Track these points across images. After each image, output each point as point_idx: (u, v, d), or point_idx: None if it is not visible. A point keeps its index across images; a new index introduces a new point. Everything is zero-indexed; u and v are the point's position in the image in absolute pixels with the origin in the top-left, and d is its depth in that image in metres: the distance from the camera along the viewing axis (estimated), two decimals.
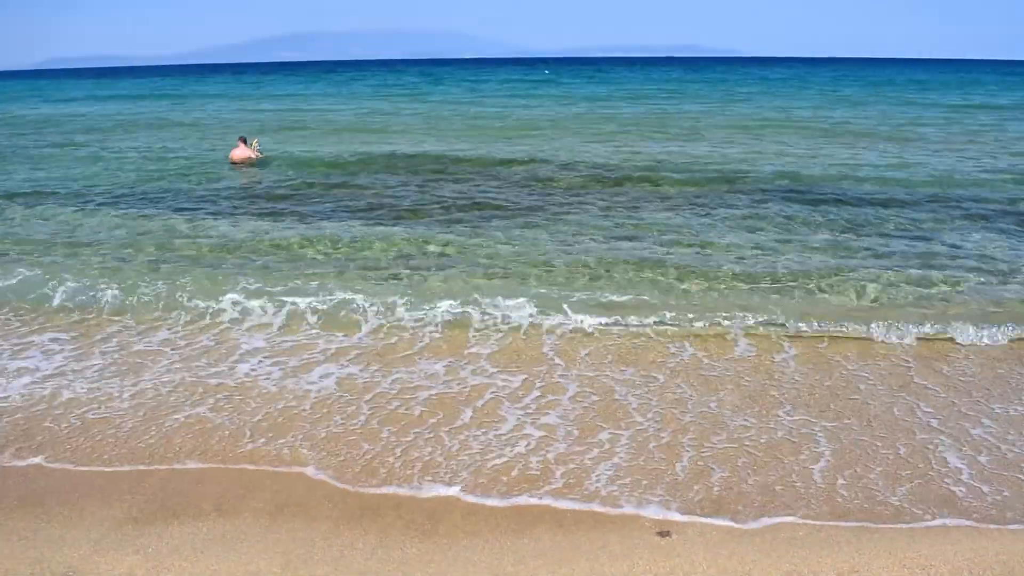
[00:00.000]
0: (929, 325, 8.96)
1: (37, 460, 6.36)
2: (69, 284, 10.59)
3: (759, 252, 12.11)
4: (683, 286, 10.49)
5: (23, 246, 13.16)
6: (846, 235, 13.18)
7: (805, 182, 17.95)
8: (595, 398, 7.36)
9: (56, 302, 10.15)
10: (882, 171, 19.44)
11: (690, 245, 12.54)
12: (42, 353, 8.55)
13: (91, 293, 10.30)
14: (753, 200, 15.90)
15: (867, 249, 12.26)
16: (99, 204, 16.68)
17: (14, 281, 10.93)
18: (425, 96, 54.56)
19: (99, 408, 7.26)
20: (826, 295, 10.15)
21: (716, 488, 5.87)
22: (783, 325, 9.05)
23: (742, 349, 8.52)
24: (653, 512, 5.55)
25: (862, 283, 10.45)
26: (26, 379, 7.89)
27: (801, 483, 5.93)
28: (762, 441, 6.56)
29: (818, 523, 5.41)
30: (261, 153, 22.57)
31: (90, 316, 9.70)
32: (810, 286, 10.42)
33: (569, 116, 35.93)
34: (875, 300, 9.96)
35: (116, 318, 9.63)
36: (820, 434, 6.65)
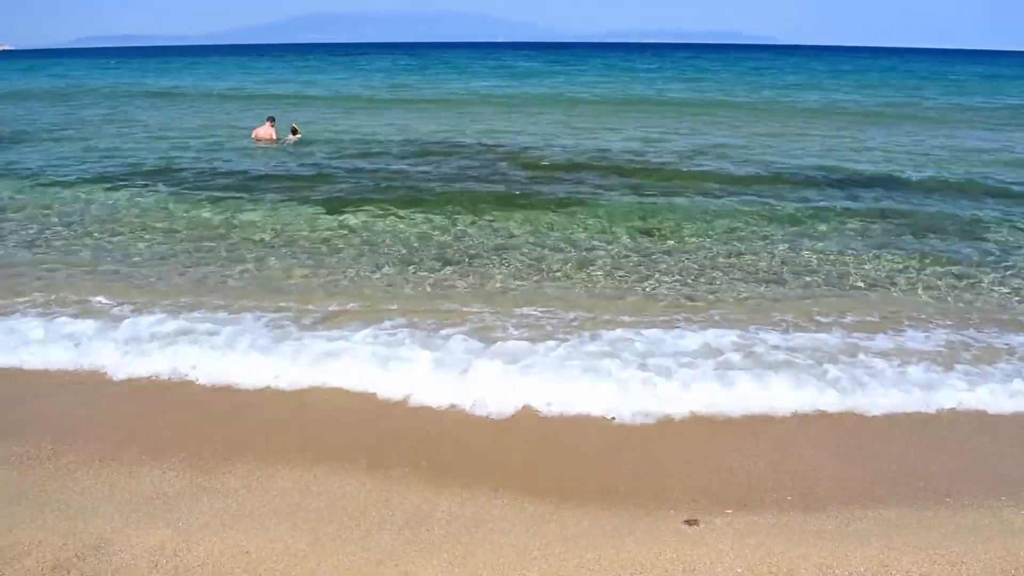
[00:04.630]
0: None
1: (79, 445, 6.42)
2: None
3: None
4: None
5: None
6: None
7: None
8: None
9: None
10: None
11: None
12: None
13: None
14: None
15: None
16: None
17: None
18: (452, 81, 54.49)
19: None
20: None
21: (744, 478, 5.84)
22: None
23: None
24: (680, 500, 5.53)
25: None
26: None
27: (830, 475, 5.89)
28: (789, 432, 6.52)
29: (847, 515, 5.36)
30: (297, 136, 22.59)
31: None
32: None
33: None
34: None
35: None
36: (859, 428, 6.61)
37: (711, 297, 9.77)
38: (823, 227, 13.14)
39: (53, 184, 16.83)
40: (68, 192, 16.00)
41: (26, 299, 9.55)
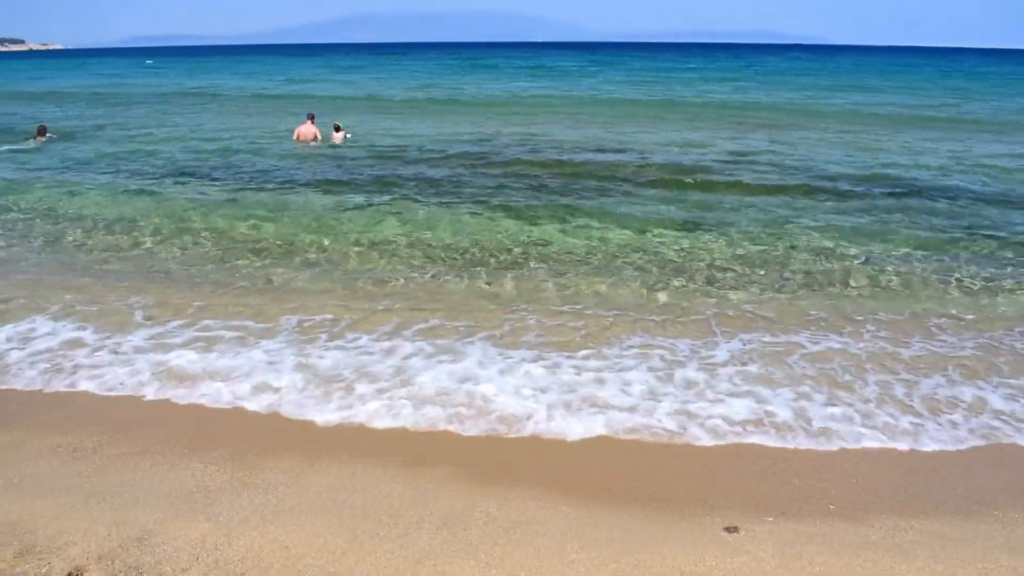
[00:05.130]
0: None
1: (126, 438, 6.52)
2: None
3: None
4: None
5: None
6: None
7: None
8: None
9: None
10: None
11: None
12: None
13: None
14: None
15: None
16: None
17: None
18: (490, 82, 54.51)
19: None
20: None
21: (785, 485, 5.77)
22: None
23: None
24: (719, 507, 5.48)
25: None
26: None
27: (874, 485, 5.80)
28: (843, 440, 6.43)
29: (892, 526, 5.27)
30: (342, 134, 22.77)
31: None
32: None
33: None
34: None
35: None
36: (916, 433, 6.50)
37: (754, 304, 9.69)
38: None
39: (85, 186, 17.13)
40: (110, 193, 16.29)
41: (68, 301, 9.72)
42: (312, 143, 22.20)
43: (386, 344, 8.30)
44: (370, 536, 4.96)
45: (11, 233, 13.02)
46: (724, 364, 7.88)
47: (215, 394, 7.16)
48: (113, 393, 7.21)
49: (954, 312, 9.38)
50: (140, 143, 23.13)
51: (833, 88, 46.88)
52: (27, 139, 23.83)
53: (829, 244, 12.09)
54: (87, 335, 8.50)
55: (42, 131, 24.27)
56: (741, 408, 6.91)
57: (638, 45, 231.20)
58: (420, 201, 15.03)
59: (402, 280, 10.53)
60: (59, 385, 7.35)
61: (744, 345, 8.35)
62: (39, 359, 7.90)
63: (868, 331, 8.74)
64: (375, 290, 10.15)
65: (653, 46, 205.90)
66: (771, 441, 6.41)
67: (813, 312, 9.30)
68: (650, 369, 7.72)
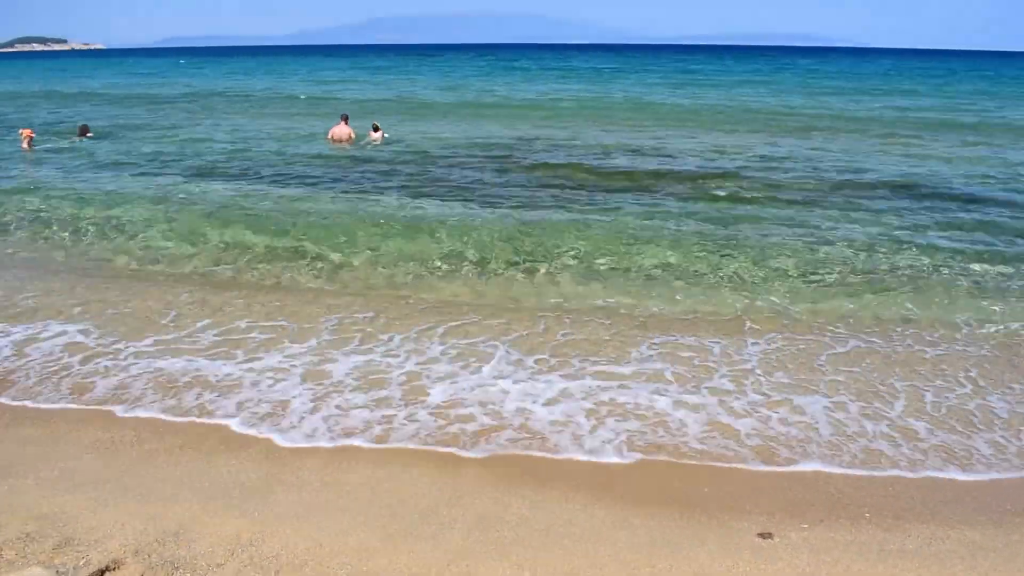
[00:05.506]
0: None
1: (148, 414, 6.62)
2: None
3: None
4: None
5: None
6: None
7: None
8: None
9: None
10: None
11: None
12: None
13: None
14: None
15: None
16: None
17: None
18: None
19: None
20: None
21: (820, 492, 5.71)
22: None
23: None
24: (754, 512, 5.43)
25: None
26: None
27: (910, 493, 5.72)
28: (876, 447, 6.36)
29: (928, 535, 5.20)
30: (380, 134, 22.87)
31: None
32: None
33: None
34: None
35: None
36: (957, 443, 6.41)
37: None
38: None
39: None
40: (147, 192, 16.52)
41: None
42: (346, 143, 22.27)
43: (416, 346, 8.34)
44: (402, 535, 4.98)
45: (51, 229, 13.24)
46: (756, 370, 7.82)
47: (249, 393, 7.24)
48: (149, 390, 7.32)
49: (991, 320, 9.23)
50: (176, 143, 23.40)
51: (870, 92, 46.21)
52: (70, 137, 24.31)
53: (864, 250, 11.93)
54: (128, 333, 8.65)
55: (84, 130, 24.74)
56: (774, 418, 6.86)
57: (667, 47, 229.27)
58: (452, 202, 15.08)
59: (434, 281, 10.56)
60: (97, 381, 7.46)
61: (778, 348, 8.29)
62: (74, 356, 8.04)
63: (903, 341, 8.64)
64: (407, 291, 10.18)
65: (682, 48, 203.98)
66: (806, 454, 6.34)
67: (848, 318, 9.19)
68: (682, 374, 7.69)
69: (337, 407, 6.93)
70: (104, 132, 25.68)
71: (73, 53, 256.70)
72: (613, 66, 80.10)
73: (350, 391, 7.23)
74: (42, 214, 14.29)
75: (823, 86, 50.82)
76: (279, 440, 6.35)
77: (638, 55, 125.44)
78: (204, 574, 4.44)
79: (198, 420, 6.71)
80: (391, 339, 8.47)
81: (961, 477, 5.97)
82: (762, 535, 5.15)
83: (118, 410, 6.86)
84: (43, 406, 6.96)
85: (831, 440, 6.46)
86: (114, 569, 4.44)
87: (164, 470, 5.86)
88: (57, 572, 4.26)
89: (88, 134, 24.60)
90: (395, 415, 6.79)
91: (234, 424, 6.63)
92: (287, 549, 4.74)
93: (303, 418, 6.73)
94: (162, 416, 6.78)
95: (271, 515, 5.19)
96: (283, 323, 8.95)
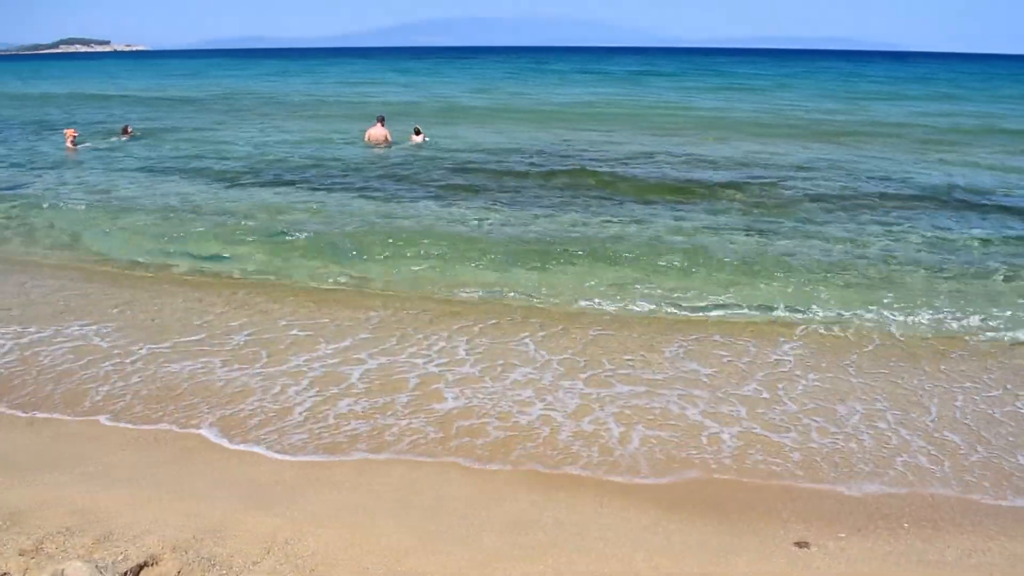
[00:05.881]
0: None
1: (200, 432, 6.69)
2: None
3: None
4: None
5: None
6: None
7: None
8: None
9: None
10: None
11: None
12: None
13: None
14: None
15: None
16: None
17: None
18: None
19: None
20: None
21: (858, 502, 5.64)
22: None
23: None
24: (790, 521, 5.38)
25: None
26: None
27: (951, 504, 5.63)
28: (919, 458, 6.27)
29: (968, 546, 5.11)
30: (421, 138, 22.97)
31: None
32: None
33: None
34: None
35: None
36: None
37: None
38: None
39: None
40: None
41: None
42: (382, 145, 22.38)
43: (448, 346, 8.37)
44: (436, 537, 4.99)
45: (94, 227, 13.46)
46: (791, 376, 7.76)
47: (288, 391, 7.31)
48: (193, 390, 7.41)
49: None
50: (214, 144, 23.70)
51: (910, 96, 45.52)
52: (112, 137, 24.76)
53: (904, 261, 11.77)
54: (163, 334, 8.78)
55: (126, 130, 25.16)
56: (812, 427, 6.79)
57: (700, 50, 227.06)
58: (486, 206, 15.17)
59: (471, 283, 10.57)
60: (134, 381, 7.57)
61: (813, 354, 8.22)
62: (113, 354, 8.16)
63: (944, 349, 8.52)
64: (444, 292, 10.22)
65: (715, 51, 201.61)
66: (844, 463, 6.27)
67: (885, 326, 9.08)
68: (716, 379, 7.65)
69: (367, 408, 6.98)
70: (145, 132, 26.05)
71: (115, 54, 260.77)
72: (646, 69, 79.64)
73: (381, 393, 7.27)
74: (83, 214, 14.54)
75: (863, 91, 50.08)
76: (314, 439, 6.40)
77: (674, 57, 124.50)
78: (240, 572, 4.47)
79: (234, 418, 6.79)
80: (426, 340, 8.53)
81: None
82: (799, 544, 5.09)
83: (155, 408, 6.96)
84: (84, 403, 7.07)
85: (869, 447, 6.38)
86: (152, 565, 4.49)
87: (202, 467, 5.94)
88: (96, 567, 4.31)
89: (130, 133, 25.03)
90: (425, 418, 6.82)
91: (273, 423, 6.69)
92: (322, 548, 4.76)
93: (337, 418, 6.78)
94: (199, 415, 6.86)
95: (306, 515, 5.23)
96: (323, 320, 9.07)
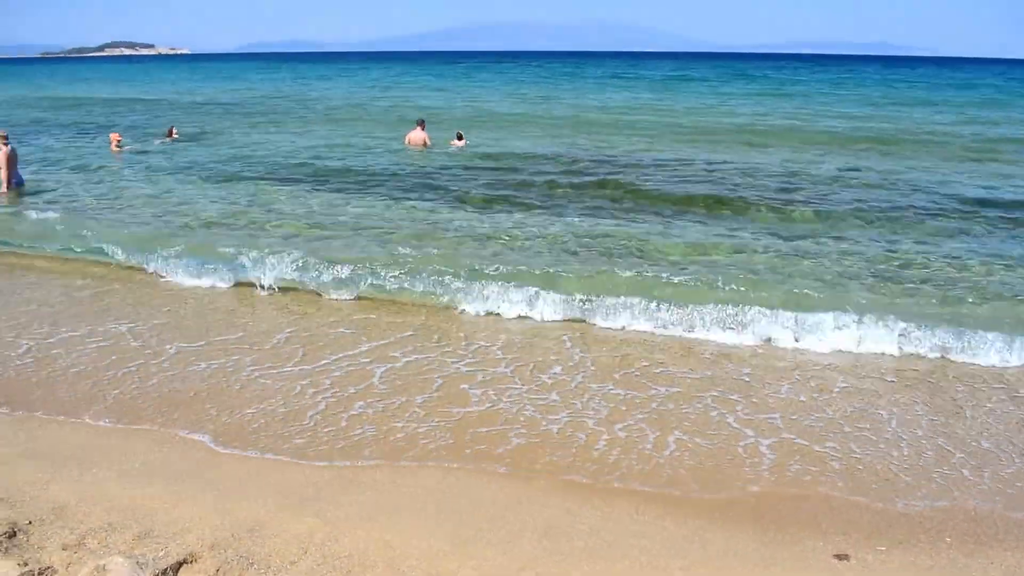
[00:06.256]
0: None
1: (237, 433, 6.77)
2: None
3: None
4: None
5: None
6: None
7: None
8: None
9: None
10: None
11: None
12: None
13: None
14: None
15: None
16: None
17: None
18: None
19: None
20: None
21: (900, 514, 5.55)
22: None
23: None
24: (830, 532, 5.31)
25: None
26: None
27: (996, 518, 5.53)
28: (961, 471, 6.16)
29: (1013, 562, 5.00)
30: (463, 143, 23.11)
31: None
32: None
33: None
34: None
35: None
36: None
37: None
38: None
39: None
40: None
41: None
42: (422, 148, 22.64)
43: (484, 353, 8.39)
44: (472, 540, 4.99)
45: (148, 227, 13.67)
46: (830, 384, 7.68)
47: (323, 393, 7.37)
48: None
49: None
50: (257, 146, 24.04)
51: (954, 103, 44.67)
52: (157, 139, 25.18)
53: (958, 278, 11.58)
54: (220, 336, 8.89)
55: (171, 132, 25.56)
56: (852, 436, 6.71)
57: (735, 55, 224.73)
58: (524, 211, 15.19)
59: (508, 285, 10.54)
60: (173, 384, 7.68)
61: (854, 364, 8.12)
62: (151, 355, 8.28)
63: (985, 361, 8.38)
64: (471, 300, 10.18)
65: (751, 56, 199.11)
66: (885, 475, 6.18)
67: (930, 334, 8.91)
68: (754, 386, 7.58)
69: (401, 410, 7.01)
70: (189, 136, 26.43)
71: (160, 58, 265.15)
72: (682, 74, 79.10)
73: (417, 394, 7.31)
74: (123, 216, 14.79)
75: (905, 97, 49.23)
76: (351, 441, 6.45)
77: (709, 62, 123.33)
78: (278, 571, 4.51)
79: (273, 417, 6.85)
80: (461, 344, 8.57)
81: None
82: (838, 556, 5.02)
83: (193, 406, 7.06)
84: (126, 400, 7.18)
85: (908, 457, 6.29)
86: (191, 562, 4.54)
87: (240, 466, 6.00)
88: (137, 562, 4.37)
89: (175, 135, 25.42)
90: (459, 422, 6.84)
91: (308, 424, 6.75)
92: (358, 549, 4.79)
93: (373, 421, 6.82)
94: (236, 416, 6.94)
95: (343, 516, 5.25)
96: (361, 315, 9.12)
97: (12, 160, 16.70)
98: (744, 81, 67.29)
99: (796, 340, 8.76)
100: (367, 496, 5.58)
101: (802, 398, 7.36)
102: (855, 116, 34.94)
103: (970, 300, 9.94)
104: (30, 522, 4.88)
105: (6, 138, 16.59)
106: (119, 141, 23.40)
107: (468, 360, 8.18)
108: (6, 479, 5.55)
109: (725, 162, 20.89)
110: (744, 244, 12.69)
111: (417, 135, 23.04)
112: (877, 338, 8.67)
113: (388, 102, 42.88)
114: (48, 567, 4.35)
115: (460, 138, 23.17)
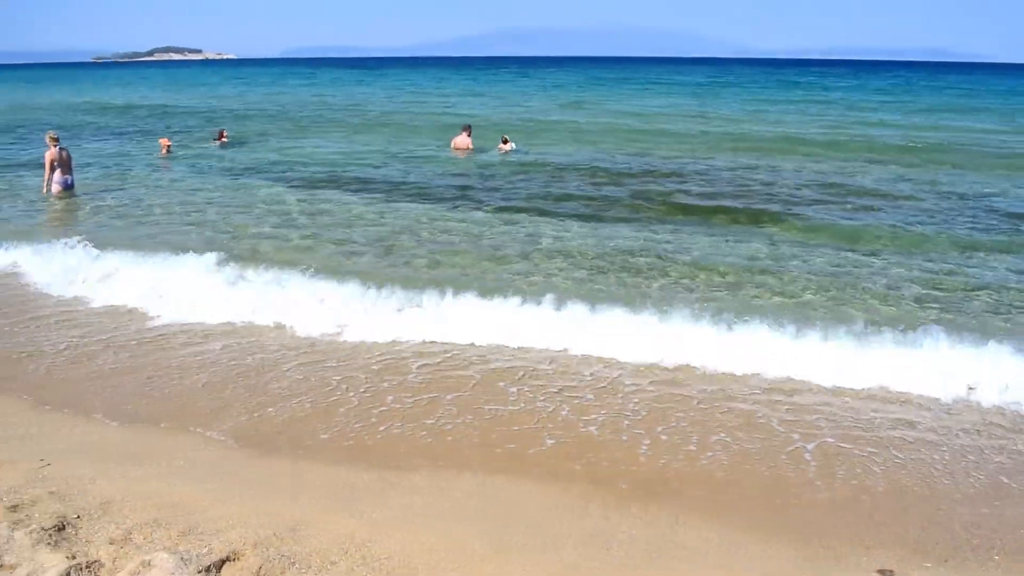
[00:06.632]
0: None
1: (277, 434, 6.87)
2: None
3: None
4: None
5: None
6: None
7: None
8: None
9: None
10: None
11: None
12: None
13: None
14: None
15: None
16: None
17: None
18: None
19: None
20: None
21: (947, 530, 5.45)
22: None
23: None
24: (874, 547, 5.22)
25: None
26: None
27: None
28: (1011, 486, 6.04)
29: None
30: (509, 146, 23.26)
31: None
32: None
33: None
34: None
35: None
36: None
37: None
38: None
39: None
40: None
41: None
42: (467, 153, 22.95)
43: (522, 357, 8.40)
44: (514, 546, 4.98)
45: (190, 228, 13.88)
46: (872, 390, 7.59)
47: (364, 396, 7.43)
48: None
49: None
50: (305, 151, 24.46)
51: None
52: (208, 141, 25.66)
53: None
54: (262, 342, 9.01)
55: (221, 135, 25.99)
56: (896, 441, 6.61)
57: (783, 62, 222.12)
58: (562, 218, 15.24)
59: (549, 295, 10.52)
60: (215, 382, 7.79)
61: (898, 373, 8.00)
62: (197, 352, 8.40)
63: None
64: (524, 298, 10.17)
65: (800, 63, 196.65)
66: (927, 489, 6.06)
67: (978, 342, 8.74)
68: (798, 389, 7.49)
69: (443, 414, 7.05)
70: (237, 139, 26.84)
71: (206, 62, 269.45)
72: (723, 80, 78.72)
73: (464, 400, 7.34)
74: (176, 219, 15.04)
75: (952, 105, 48.18)
76: (392, 445, 6.49)
77: (752, 68, 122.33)
78: (319, 571, 4.53)
79: (316, 418, 6.91)
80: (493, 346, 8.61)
81: None
82: (882, 572, 4.93)
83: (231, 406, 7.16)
84: (173, 398, 7.31)
85: (955, 472, 6.18)
86: (234, 560, 4.58)
87: (283, 466, 6.07)
88: (181, 558, 4.42)
89: (225, 139, 25.82)
90: (503, 429, 6.85)
91: (348, 427, 6.80)
92: (399, 552, 4.80)
93: (414, 426, 6.85)
94: (282, 414, 7.02)
95: (383, 518, 5.28)
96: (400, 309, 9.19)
97: (63, 162, 16.95)
98: (788, 88, 66.47)
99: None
100: (407, 499, 5.61)
101: (849, 403, 7.25)
102: (902, 123, 34.34)
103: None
104: (78, 516, 4.97)
105: (57, 139, 16.85)
106: (169, 147, 23.79)
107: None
108: (56, 474, 5.66)
109: (771, 167, 20.70)
110: (798, 251, 12.56)
111: (462, 140, 23.44)
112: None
113: (428, 108, 43.14)
114: (95, 561, 4.42)
115: (505, 142, 23.31)
